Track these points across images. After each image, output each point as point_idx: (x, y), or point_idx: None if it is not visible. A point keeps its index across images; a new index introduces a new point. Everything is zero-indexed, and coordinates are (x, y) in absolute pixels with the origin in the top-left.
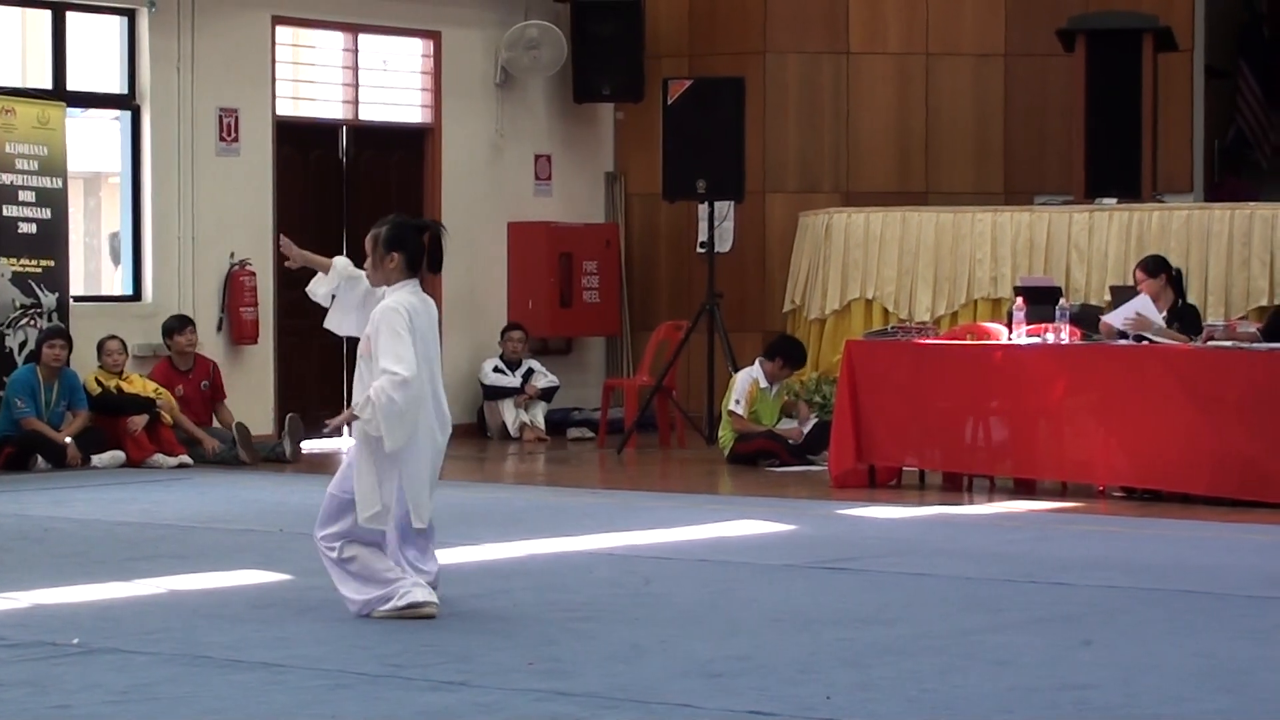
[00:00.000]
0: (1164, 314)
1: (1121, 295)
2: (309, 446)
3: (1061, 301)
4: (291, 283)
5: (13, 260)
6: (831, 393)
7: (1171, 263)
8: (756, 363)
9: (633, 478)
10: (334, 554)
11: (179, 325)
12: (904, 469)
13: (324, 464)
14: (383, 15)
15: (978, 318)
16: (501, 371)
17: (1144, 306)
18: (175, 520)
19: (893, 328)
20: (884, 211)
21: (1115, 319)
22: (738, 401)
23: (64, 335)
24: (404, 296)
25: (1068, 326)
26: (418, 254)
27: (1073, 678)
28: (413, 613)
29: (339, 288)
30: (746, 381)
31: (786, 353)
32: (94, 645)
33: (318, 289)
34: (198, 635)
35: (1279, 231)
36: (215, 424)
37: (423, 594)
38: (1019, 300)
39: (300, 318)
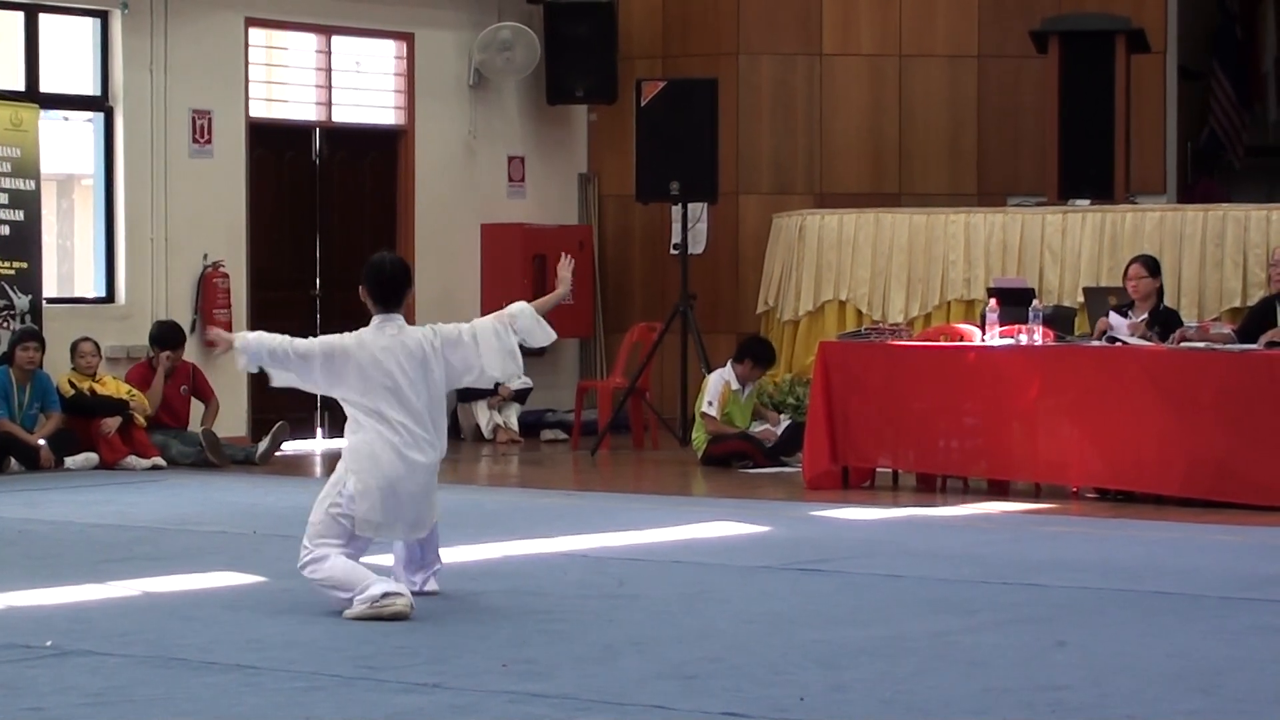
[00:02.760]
0: (1144, 316)
1: (1094, 297)
2: (280, 449)
3: (1035, 303)
4: (265, 284)
5: None
6: (805, 394)
7: None
8: (728, 364)
9: (606, 479)
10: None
11: (171, 342)
12: (878, 470)
13: (296, 467)
14: (356, 17)
15: (951, 319)
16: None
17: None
18: (149, 522)
19: (866, 329)
20: (857, 213)
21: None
22: (710, 403)
23: (37, 337)
24: (362, 332)
25: (1041, 328)
26: (375, 289)
27: (1047, 679)
28: (383, 606)
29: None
30: (719, 383)
31: (756, 353)
32: (67, 647)
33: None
34: (171, 637)
35: (1252, 233)
36: (192, 428)
37: (393, 585)
38: (992, 302)
39: (274, 319)
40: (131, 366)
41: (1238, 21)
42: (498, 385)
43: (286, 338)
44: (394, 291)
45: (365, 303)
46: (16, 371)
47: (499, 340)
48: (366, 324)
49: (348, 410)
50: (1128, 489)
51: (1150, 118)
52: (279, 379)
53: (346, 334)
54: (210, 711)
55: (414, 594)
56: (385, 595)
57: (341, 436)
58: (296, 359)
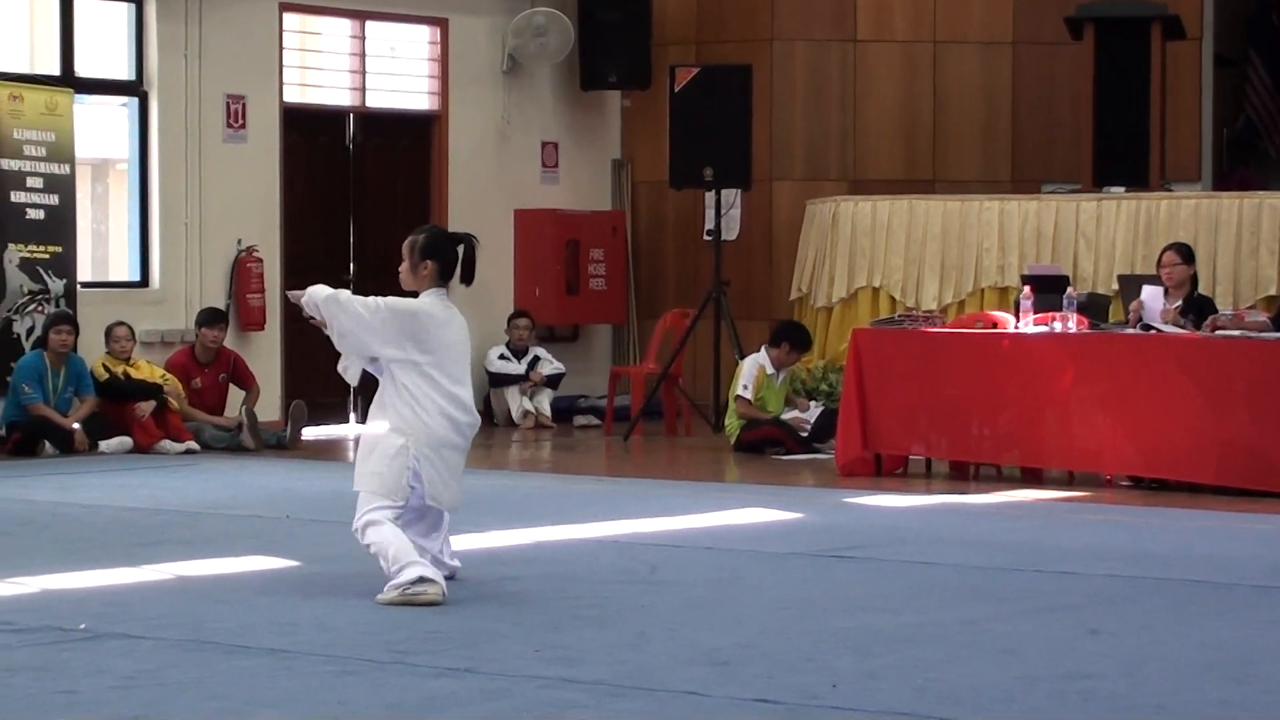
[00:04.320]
0: (1179, 304)
1: (1129, 284)
2: (314, 434)
3: (1069, 290)
4: (298, 269)
5: (20, 246)
6: (838, 381)
7: None
8: (762, 349)
9: (639, 465)
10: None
11: (210, 319)
12: (910, 457)
13: (329, 451)
14: (390, 2)
15: (985, 306)
16: (507, 359)
17: (1150, 297)
18: (182, 506)
19: (900, 316)
20: (891, 199)
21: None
22: (745, 386)
23: (71, 321)
24: (427, 302)
25: (1075, 315)
26: (450, 265)
27: (1078, 667)
28: (414, 594)
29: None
30: (753, 368)
31: (792, 337)
32: (101, 630)
33: (350, 370)
34: (204, 621)
35: None
36: (229, 414)
37: (428, 571)
38: (1026, 289)
39: None
40: (170, 353)
41: (1274, 8)
42: (530, 371)
43: (345, 291)
44: (471, 269)
45: (415, 276)
46: (51, 355)
47: None
48: None
49: (399, 375)
50: (1161, 477)
51: (1185, 105)
52: (341, 326)
53: (408, 298)
54: (243, 695)
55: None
56: (419, 581)
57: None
58: (362, 307)
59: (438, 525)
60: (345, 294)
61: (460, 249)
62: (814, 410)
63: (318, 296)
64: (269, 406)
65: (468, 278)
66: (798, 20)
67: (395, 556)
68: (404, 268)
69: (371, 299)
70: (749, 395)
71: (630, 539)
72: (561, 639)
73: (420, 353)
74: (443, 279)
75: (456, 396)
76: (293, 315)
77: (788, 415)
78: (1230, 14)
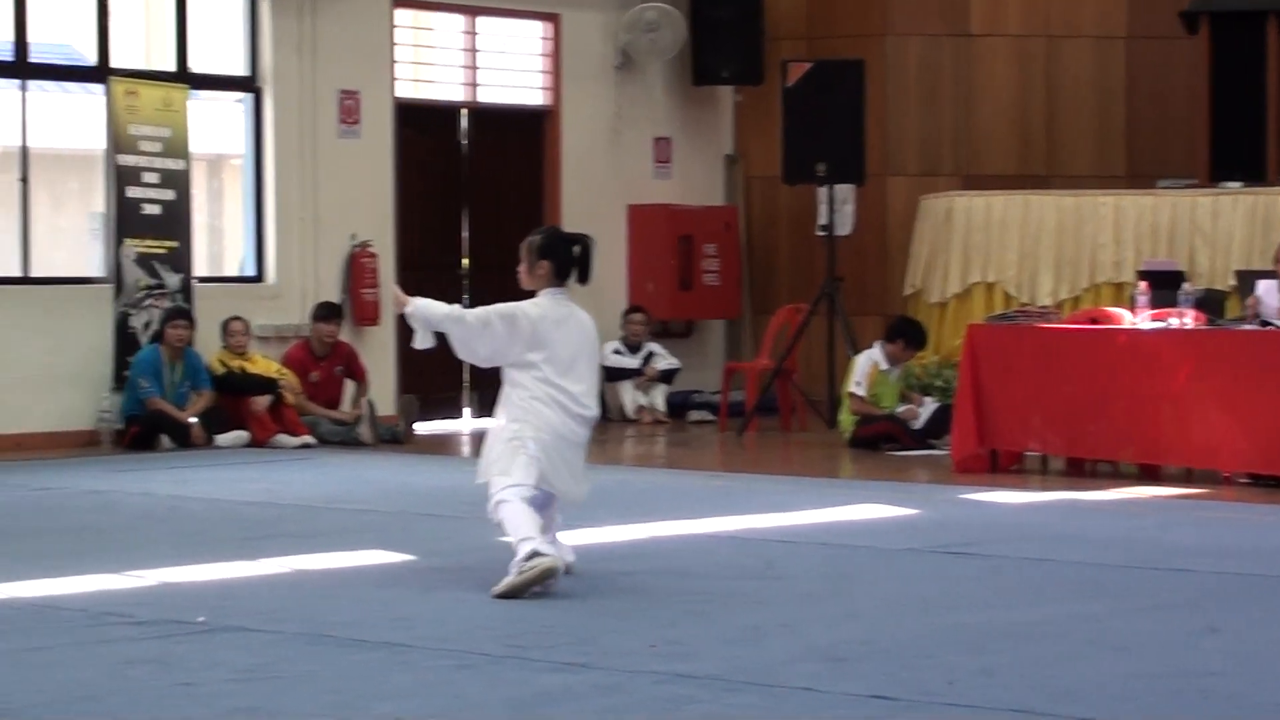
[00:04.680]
0: None
1: (1246, 280)
2: (428, 429)
3: (1185, 286)
4: (412, 264)
5: (137, 241)
6: (953, 377)
7: None
8: (877, 345)
9: (753, 461)
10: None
11: (326, 314)
12: (1026, 454)
13: (443, 446)
14: None
15: (1100, 302)
16: (622, 354)
17: (1265, 291)
18: (298, 500)
19: (1014, 312)
20: (1005, 195)
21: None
22: (858, 383)
23: (187, 316)
24: (538, 302)
25: (1192, 311)
26: (565, 264)
27: (1196, 665)
28: (529, 568)
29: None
30: (867, 364)
31: (908, 334)
32: (218, 624)
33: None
34: (320, 614)
35: None
36: (345, 408)
37: (541, 545)
38: (1142, 284)
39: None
40: (285, 347)
41: None
42: (644, 366)
43: (458, 306)
44: (587, 269)
45: (531, 275)
46: (167, 350)
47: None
48: (517, 300)
49: (517, 375)
50: None
51: None
52: (457, 338)
53: (520, 302)
54: (358, 689)
55: None
56: (532, 556)
57: (491, 415)
58: (474, 321)
59: (550, 521)
60: (457, 310)
61: (576, 249)
62: (928, 406)
63: (432, 315)
64: (383, 401)
65: (583, 277)
66: (910, 15)
67: (513, 531)
68: (522, 268)
69: (482, 310)
70: (862, 392)
71: (745, 534)
72: (676, 634)
73: (533, 353)
74: (558, 278)
75: (569, 390)
76: None
77: (900, 409)
78: None
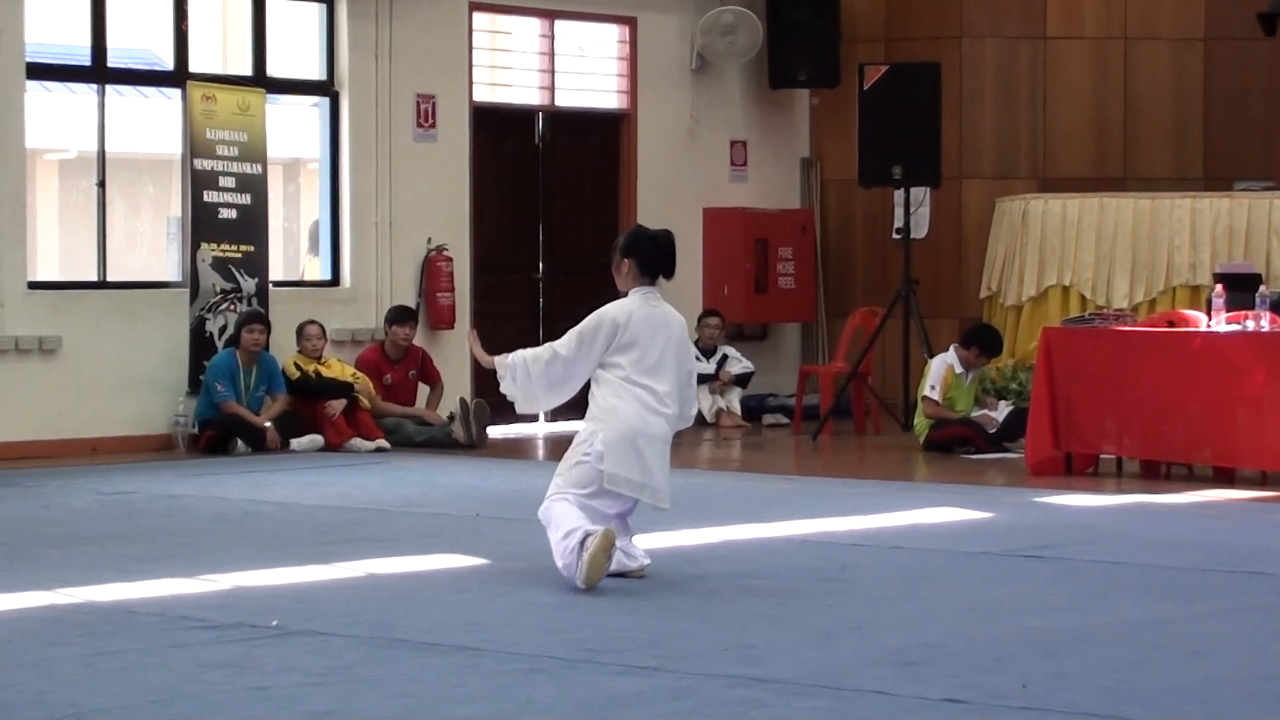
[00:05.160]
0: None
1: None
2: (501, 433)
3: (1262, 289)
4: (488, 268)
5: (213, 245)
6: (1028, 380)
7: None
8: (952, 349)
9: (828, 464)
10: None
11: (401, 317)
12: (1101, 456)
13: (518, 450)
14: (579, 1)
15: (1176, 304)
16: (697, 357)
17: None
18: (372, 504)
19: (1090, 314)
20: (1081, 197)
21: None
22: (933, 387)
23: (263, 320)
24: (624, 303)
25: (1268, 314)
26: (648, 260)
27: (1271, 669)
28: (595, 544)
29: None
30: (941, 368)
31: (983, 341)
32: (292, 627)
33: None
34: (394, 618)
35: None
36: (418, 409)
37: (591, 526)
38: (1218, 287)
39: (496, 302)
40: (360, 351)
41: None
42: (719, 369)
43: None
44: (670, 265)
45: (623, 276)
46: (243, 354)
47: (694, 380)
48: (592, 307)
49: (602, 374)
50: None
51: None
52: (557, 376)
53: (605, 307)
54: (432, 693)
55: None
56: (585, 538)
57: (571, 417)
58: (562, 360)
59: (625, 525)
60: (546, 351)
61: (655, 244)
62: (1002, 409)
63: (518, 367)
64: (456, 405)
65: (665, 271)
66: (987, 17)
67: (557, 524)
68: (614, 270)
69: (567, 339)
70: (936, 396)
71: (819, 538)
72: (749, 638)
73: (618, 355)
74: (644, 274)
75: (655, 390)
76: (481, 315)
77: (975, 414)
78: None
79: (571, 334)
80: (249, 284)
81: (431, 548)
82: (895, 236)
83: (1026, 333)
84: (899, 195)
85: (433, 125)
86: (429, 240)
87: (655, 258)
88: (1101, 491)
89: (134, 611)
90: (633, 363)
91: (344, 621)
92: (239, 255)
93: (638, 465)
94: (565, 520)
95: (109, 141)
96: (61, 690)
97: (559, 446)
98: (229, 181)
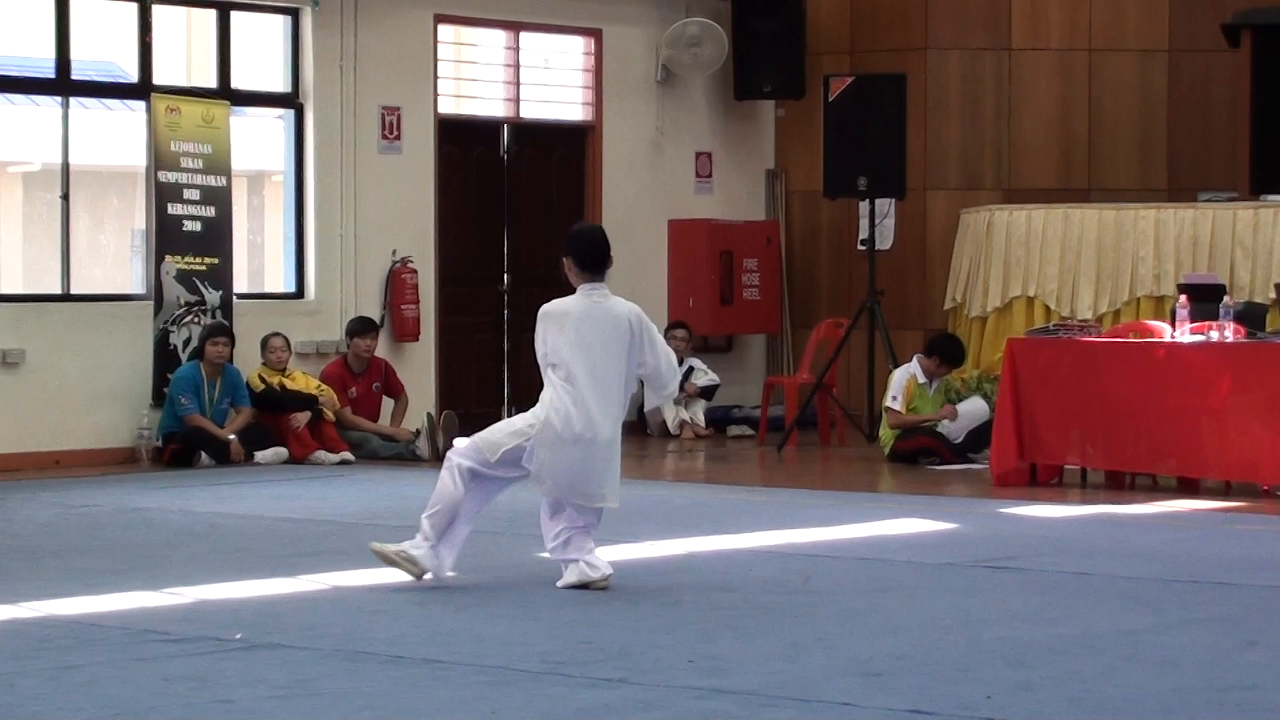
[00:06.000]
0: None
1: None
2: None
3: (1226, 299)
4: (453, 279)
5: (177, 258)
6: (993, 391)
7: None
8: (914, 359)
9: (793, 475)
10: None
11: (362, 328)
12: (1066, 467)
13: None
14: (544, 13)
15: (1140, 315)
16: None
17: None
18: (337, 516)
19: (1055, 325)
20: (1046, 209)
21: None
22: (895, 398)
23: (227, 332)
24: (564, 299)
25: (1232, 324)
26: (583, 255)
27: (1236, 679)
28: (410, 567)
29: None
30: (903, 378)
31: (944, 351)
32: (257, 641)
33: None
34: (359, 631)
35: None
36: (382, 423)
37: (429, 560)
38: (1182, 298)
39: (461, 314)
40: (325, 364)
41: None
42: (684, 381)
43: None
44: (600, 258)
45: (569, 274)
46: (207, 366)
47: (671, 357)
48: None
49: (546, 372)
50: None
51: None
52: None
53: (557, 300)
54: (397, 705)
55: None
56: (411, 552)
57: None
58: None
59: (588, 531)
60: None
61: (585, 239)
62: (967, 405)
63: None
64: (421, 418)
65: (599, 263)
66: (952, 29)
67: (431, 511)
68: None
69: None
70: (898, 406)
71: (784, 549)
72: (714, 649)
73: (555, 352)
74: (583, 270)
75: (591, 392)
76: (446, 327)
77: (941, 411)
78: None
79: (540, 359)
80: (213, 296)
81: None
82: (860, 248)
83: (991, 344)
84: (864, 206)
85: (398, 137)
86: (394, 252)
87: (587, 251)
88: (1066, 502)
89: (98, 625)
90: (568, 359)
91: (309, 635)
92: (203, 268)
93: (568, 472)
94: (432, 523)
95: (73, 154)
96: (25, 704)
97: None
98: (193, 194)
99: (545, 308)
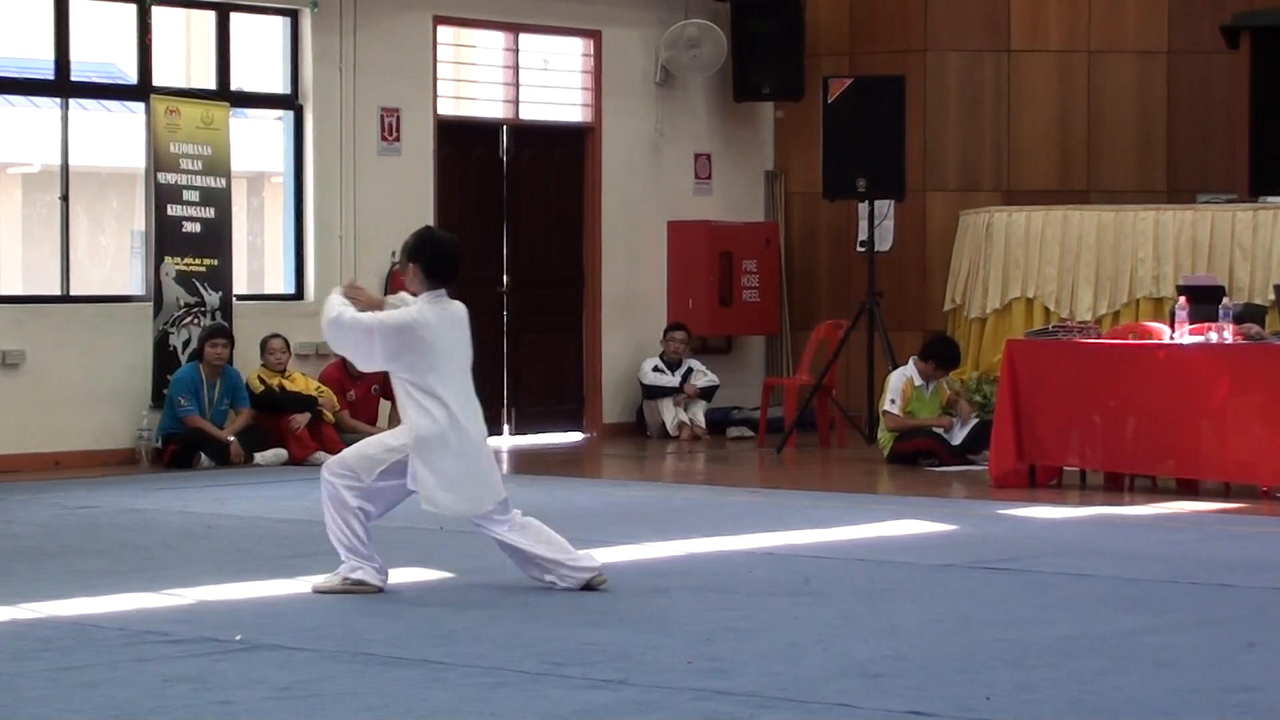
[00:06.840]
0: None
1: None
2: None
3: (1225, 300)
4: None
5: (177, 259)
6: (992, 392)
7: None
8: (910, 362)
9: (792, 477)
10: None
11: None
12: (1065, 469)
13: None
14: (543, 15)
15: (1140, 317)
16: (661, 371)
17: None
18: None
19: (1054, 327)
20: (1045, 210)
21: None
22: (893, 401)
23: (226, 334)
24: (422, 309)
25: (1231, 326)
26: (433, 265)
27: (1236, 680)
28: (358, 589)
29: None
30: (900, 380)
31: (940, 354)
32: (256, 642)
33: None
34: (359, 632)
35: None
36: (381, 425)
37: (376, 578)
38: (1182, 299)
39: None
40: (324, 365)
41: None
42: (684, 383)
43: (353, 311)
44: (453, 270)
45: (408, 280)
46: (206, 368)
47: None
48: (557, 319)
49: (402, 387)
50: None
51: None
52: (339, 346)
53: (404, 309)
54: (397, 706)
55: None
56: (362, 581)
57: (519, 434)
58: (358, 332)
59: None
60: (348, 315)
61: (442, 249)
62: (970, 420)
63: (325, 315)
64: None
65: (449, 277)
66: (951, 30)
67: (350, 550)
68: (400, 272)
69: (368, 317)
70: (896, 410)
71: (783, 550)
72: (714, 650)
73: (417, 362)
74: (430, 279)
75: (455, 399)
76: None
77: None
78: None
79: (389, 324)
80: (213, 298)
81: (396, 561)
82: (859, 249)
83: (990, 345)
84: (863, 208)
85: (397, 139)
86: (393, 254)
87: (442, 262)
88: (1066, 504)
89: (97, 626)
90: (429, 370)
91: (308, 635)
92: (203, 269)
93: (440, 482)
94: (353, 551)
95: (72, 155)
96: (25, 706)
97: (523, 460)
98: (193, 195)
99: (406, 322)
